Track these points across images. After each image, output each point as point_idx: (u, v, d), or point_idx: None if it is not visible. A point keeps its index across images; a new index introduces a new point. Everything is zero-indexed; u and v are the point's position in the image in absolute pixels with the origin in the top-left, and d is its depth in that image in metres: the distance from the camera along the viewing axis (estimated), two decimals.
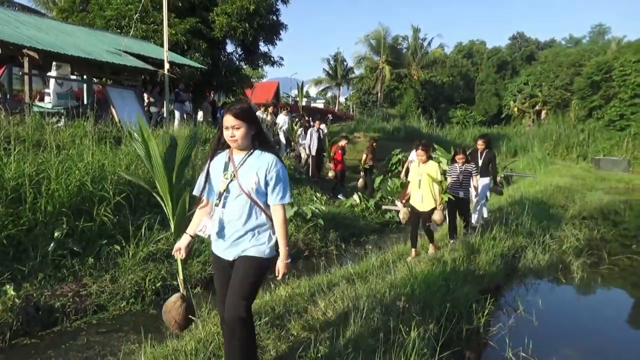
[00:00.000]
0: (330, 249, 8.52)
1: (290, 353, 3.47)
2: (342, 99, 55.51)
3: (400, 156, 15.65)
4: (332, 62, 50.10)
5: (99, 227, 6.17)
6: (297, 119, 17.01)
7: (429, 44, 47.04)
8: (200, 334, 3.75)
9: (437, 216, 6.43)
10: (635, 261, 7.93)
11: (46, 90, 11.91)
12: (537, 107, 41.15)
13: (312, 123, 15.21)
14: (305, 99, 48.89)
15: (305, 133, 14.01)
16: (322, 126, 14.54)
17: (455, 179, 7.45)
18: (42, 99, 11.84)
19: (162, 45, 13.74)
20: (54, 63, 11.24)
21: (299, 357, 3.40)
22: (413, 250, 6.69)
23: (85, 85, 12.50)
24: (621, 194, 17.15)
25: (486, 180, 8.51)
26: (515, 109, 42.78)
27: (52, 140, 7.44)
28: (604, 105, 30.71)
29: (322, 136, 13.66)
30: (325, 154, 13.67)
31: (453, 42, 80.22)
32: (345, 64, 50.71)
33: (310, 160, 13.54)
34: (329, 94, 55.45)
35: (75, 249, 5.76)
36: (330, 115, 28.56)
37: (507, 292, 6.18)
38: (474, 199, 8.81)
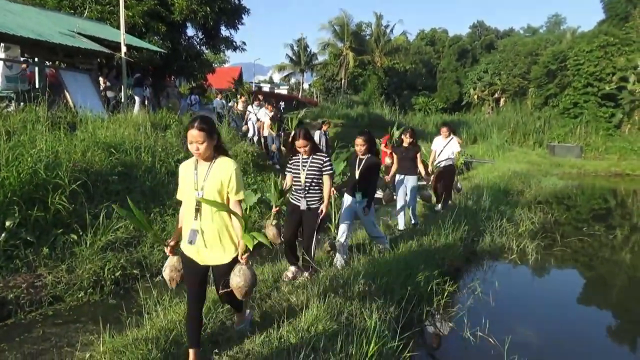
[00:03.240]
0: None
1: (252, 339, 3.47)
2: (305, 85, 55.26)
3: None
4: (295, 47, 49.73)
5: (53, 216, 5.95)
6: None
7: (392, 30, 47.31)
8: (161, 322, 3.70)
9: (236, 279, 2.90)
10: (586, 243, 8.31)
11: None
12: (496, 95, 42.15)
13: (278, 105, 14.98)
14: (268, 85, 48.46)
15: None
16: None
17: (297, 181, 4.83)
18: None
19: (118, 28, 13.25)
20: (1, 45, 10.67)
21: (261, 342, 3.40)
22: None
23: (37, 69, 11.93)
24: (574, 179, 17.88)
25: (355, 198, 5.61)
26: (475, 97, 43.70)
27: (1, 125, 7.10)
28: (559, 93, 31.78)
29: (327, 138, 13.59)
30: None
31: (415, 30, 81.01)
32: (308, 49, 50.43)
33: None
34: (293, 80, 55.06)
35: (28, 238, 5.53)
36: (282, 102, 28.20)
37: (466, 274, 6.37)
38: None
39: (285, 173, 4.98)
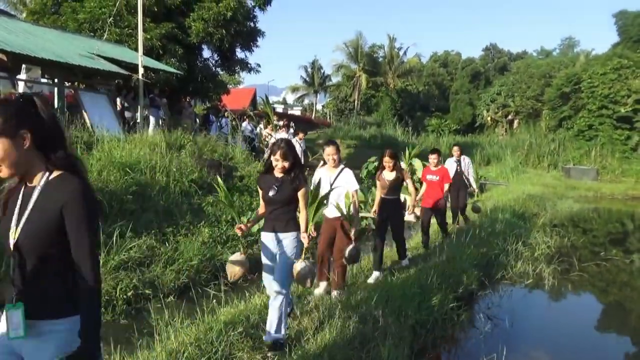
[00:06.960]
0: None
1: None
2: (319, 107, 55.69)
3: (376, 164, 15.72)
4: (309, 69, 50.35)
5: None
6: None
7: (405, 53, 47.70)
8: (172, 345, 3.67)
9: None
10: (603, 268, 8.13)
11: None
12: (509, 117, 42.00)
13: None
14: (282, 106, 49.00)
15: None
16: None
17: None
18: None
19: (136, 50, 13.55)
20: (23, 66, 10.94)
21: None
22: None
23: (56, 89, 12.20)
24: (590, 202, 17.60)
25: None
26: (489, 119, 43.58)
27: None
28: (573, 115, 31.52)
29: None
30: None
31: (429, 52, 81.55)
32: (322, 71, 51.03)
33: None
34: (306, 101, 55.60)
35: None
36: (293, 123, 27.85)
37: (481, 299, 6.25)
38: None
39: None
